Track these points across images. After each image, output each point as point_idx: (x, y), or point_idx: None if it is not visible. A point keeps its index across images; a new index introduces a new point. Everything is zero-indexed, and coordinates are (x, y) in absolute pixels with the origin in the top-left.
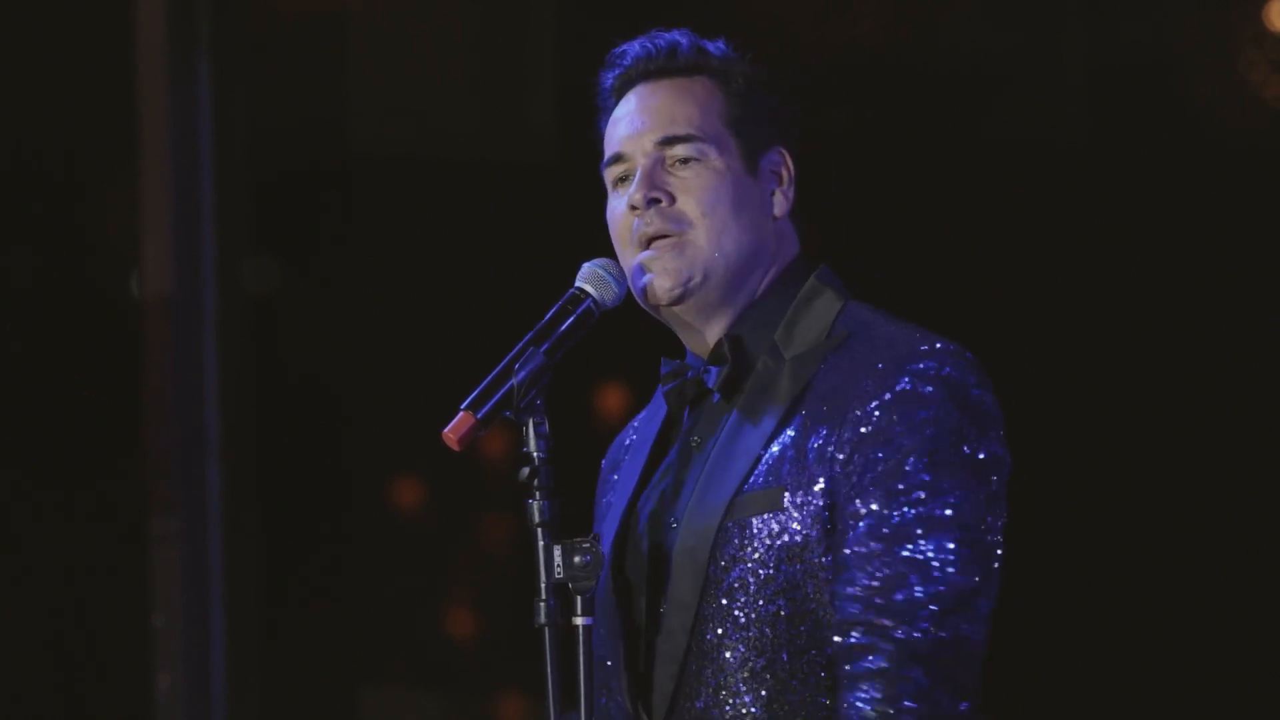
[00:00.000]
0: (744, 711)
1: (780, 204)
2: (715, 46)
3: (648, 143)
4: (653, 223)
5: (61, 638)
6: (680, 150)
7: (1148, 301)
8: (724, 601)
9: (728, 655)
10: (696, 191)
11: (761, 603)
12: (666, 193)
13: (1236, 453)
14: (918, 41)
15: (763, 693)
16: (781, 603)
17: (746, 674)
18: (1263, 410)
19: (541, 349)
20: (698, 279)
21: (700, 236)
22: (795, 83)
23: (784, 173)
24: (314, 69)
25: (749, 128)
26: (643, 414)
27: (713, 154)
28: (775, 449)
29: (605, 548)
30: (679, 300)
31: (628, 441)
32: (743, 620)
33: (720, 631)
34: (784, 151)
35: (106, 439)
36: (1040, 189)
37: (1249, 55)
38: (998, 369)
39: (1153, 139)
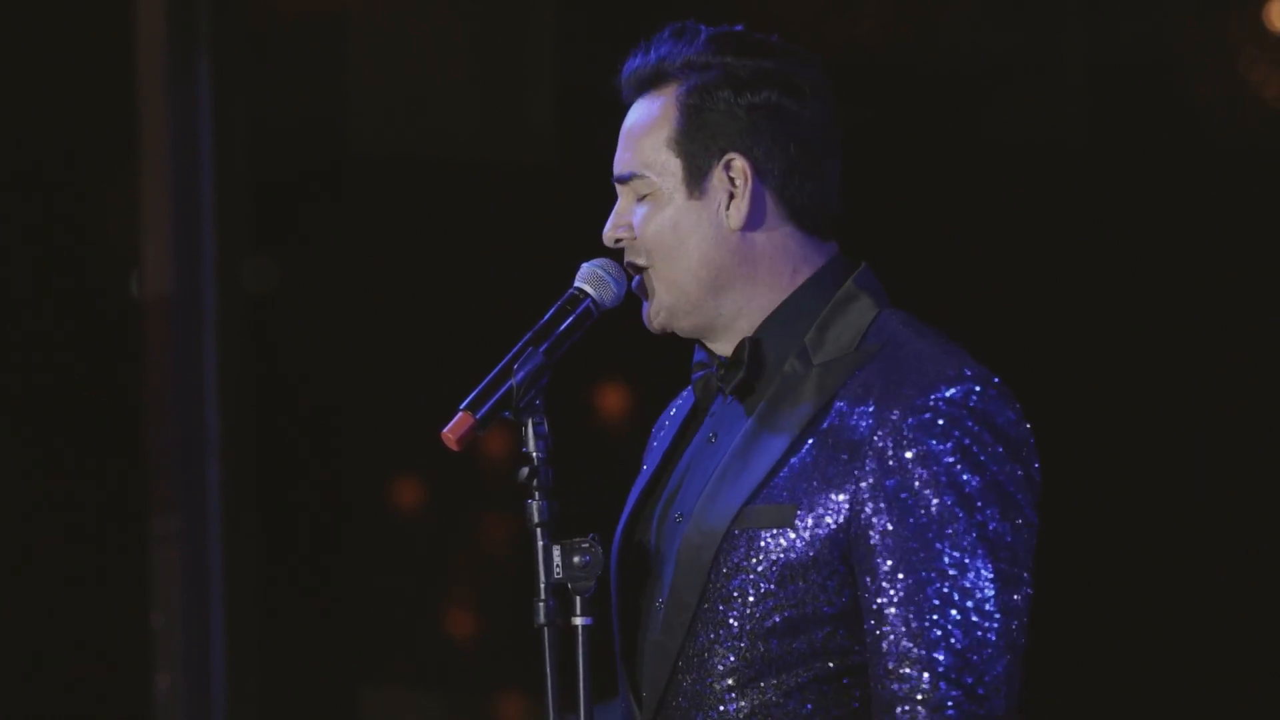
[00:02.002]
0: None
1: (734, 217)
2: (680, 49)
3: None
4: (628, 255)
5: (61, 638)
6: (630, 187)
7: (1148, 301)
8: (721, 608)
9: (716, 661)
10: (646, 226)
11: (758, 615)
12: (629, 225)
13: (1236, 453)
14: (918, 41)
15: (749, 705)
16: (777, 619)
17: (733, 682)
18: (1263, 410)
19: (540, 349)
20: (663, 317)
21: (658, 271)
22: (785, 70)
23: (737, 181)
24: (314, 69)
25: (693, 144)
26: (688, 388)
27: (656, 186)
28: (794, 462)
29: (619, 528)
30: (662, 332)
31: (673, 411)
32: (736, 630)
33: (712, 637)
34: (736, 158)
35: (106, 439)
36: (1040, 189)
37: (1249, 55)
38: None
39: (1153, 139)
